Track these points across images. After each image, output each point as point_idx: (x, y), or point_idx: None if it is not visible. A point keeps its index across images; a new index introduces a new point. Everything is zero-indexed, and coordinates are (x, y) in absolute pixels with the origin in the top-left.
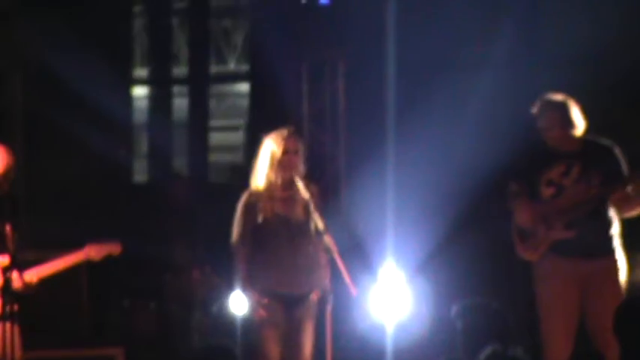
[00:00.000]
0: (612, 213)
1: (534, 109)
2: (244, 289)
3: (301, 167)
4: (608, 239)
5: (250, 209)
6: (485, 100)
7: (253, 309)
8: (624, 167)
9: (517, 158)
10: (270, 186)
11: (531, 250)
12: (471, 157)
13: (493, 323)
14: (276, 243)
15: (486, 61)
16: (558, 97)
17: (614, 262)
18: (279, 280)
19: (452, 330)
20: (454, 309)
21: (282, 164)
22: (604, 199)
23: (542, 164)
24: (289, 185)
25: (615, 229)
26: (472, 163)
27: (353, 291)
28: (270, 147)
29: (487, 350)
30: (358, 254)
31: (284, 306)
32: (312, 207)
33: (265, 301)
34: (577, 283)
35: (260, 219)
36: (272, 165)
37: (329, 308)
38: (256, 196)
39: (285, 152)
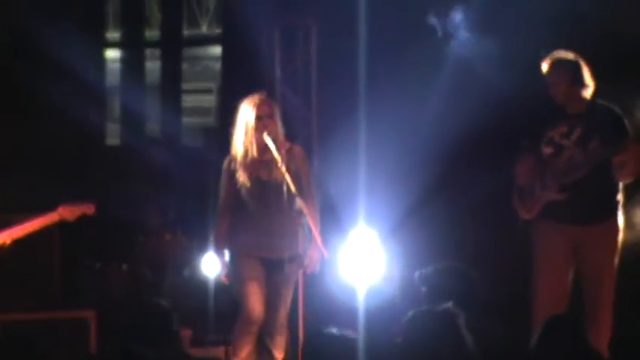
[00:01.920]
0: (613, 178)
1: (544, 65)
2: (217, 251)
3: (278, 130)
4: (604, 205)
5: (230, 175)
6: (460, 64)
7: (234, 269)
8: (625, 136)
9: (527, 115)
10: (247, 151)
11: (527, 208)
12: (444, 121)
13: (459, 285)
14: (254, 207)
15: (461, 27)
16: (569, 54)
17: (609, 228)
18: (257, 244)
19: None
20: (417, 274)
21: (257, 129)
22: (600, 163)
23: (546, 122)
24: (266, 149)
25: (614, 195)
26: (445, 128)
27: (325, 253)
28: (244, 113)
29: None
30: (330, 217)
31: (264, 268)
32: (283, 168)
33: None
34: (569, 247)
35: (238, 184)
36: (247, 131)
37: (301, 271)
38: (235, 161)
39: (258, 118)
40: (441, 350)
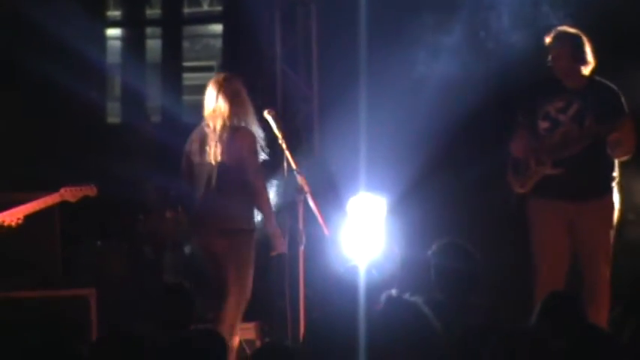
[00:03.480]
0: (609, 155)
1: (547, 38)
2: None
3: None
4: (598, 181)
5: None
6: (460, 39)
7: None
8: (622, 114)
9: (524, 88)
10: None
11: (520, 183)
12: (443, 96)
13: (461, 263)
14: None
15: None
16: (572, 29)
17: (604, 204)
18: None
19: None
20: (431, 248)
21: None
22: (596, 140)
23: (544, 96)
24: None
25: (609, 172)
26: (444, 103)
27: (325, 230)
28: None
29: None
30: (331, 194)
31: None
32: (284, 146)
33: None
34: (564, 224)
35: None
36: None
37: (302, 248)
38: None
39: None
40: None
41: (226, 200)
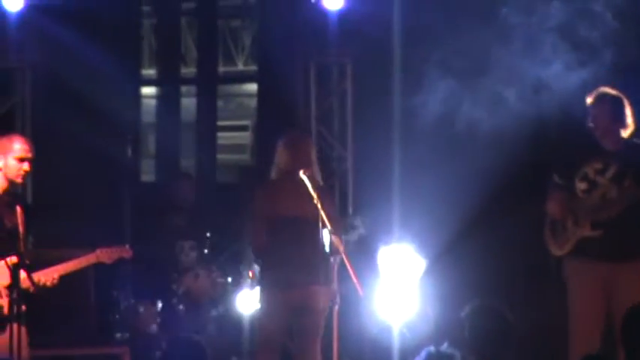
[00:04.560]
0: None
1: (589, 99)
2: None
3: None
4: (637, 243)
5: None
6: (492, 100)
7: None
8: None
9: (560, 150)
10: None
11: (559, 245)
12: (480, 157)
13: (495, 325)
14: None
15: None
16: (613, 91)
17: None
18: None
19: (459, 330)
20: (464, 309)
21: None
22: (635, 202)
23: (581, 158)
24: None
25: None
26: (481, 164)
27: (360, 291)
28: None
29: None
30: (365, 255)
31: None
32: (319, 206)
33: None
34: (602, 286)
35: None
36: None
37: (336, 308)
38: None
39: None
40: None
41: (321, 254)
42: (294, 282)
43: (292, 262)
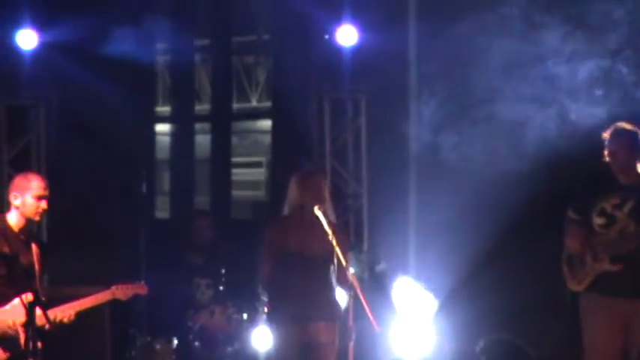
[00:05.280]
0: None
1: (605, 134)
2: None
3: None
4: None
5: None
6: (509, 135)
7: None
8: None
9: (576, 186)
10: None
11: (577, 280)
12: (495, 190)
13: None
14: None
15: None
16: (629, 126)
17: None
18: None
19: None
20: (480, 344)
21: None
22: None
23: (599, 193)
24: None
25: None
26: (496, 197)
27: (376, 327)
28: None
29: None
30: (381, 291)
31: None
32: (334, 242)
33: None
34: (620, 322)
35: None
36: None
37: (351, 344)
38: None
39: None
40: None
41: (329, 290)
42: (301, 317)
43: (300, 298)
